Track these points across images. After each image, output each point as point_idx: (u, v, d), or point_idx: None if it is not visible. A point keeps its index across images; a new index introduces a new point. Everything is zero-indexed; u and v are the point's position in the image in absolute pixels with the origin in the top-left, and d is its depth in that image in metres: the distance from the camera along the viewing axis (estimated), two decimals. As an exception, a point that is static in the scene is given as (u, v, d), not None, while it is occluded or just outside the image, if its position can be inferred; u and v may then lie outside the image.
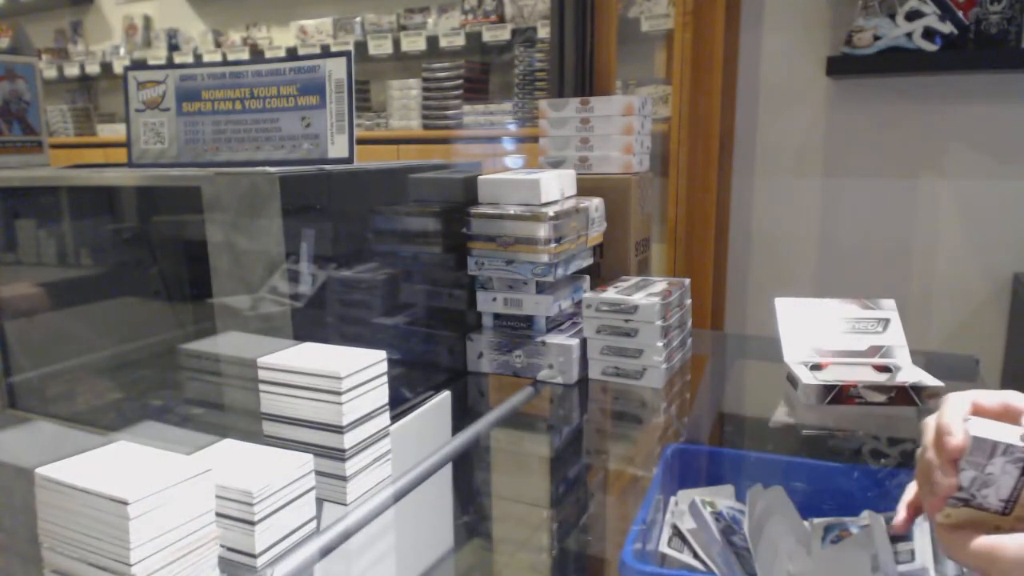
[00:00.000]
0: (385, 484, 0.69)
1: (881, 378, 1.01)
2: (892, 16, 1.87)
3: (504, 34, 3.01)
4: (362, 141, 1.04)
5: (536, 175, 1.11)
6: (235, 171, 0.85)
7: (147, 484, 0.47)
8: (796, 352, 1.08)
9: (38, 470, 0.49)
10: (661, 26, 2.45)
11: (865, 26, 1.90)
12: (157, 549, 0.47)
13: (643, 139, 1.35)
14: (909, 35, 1.86)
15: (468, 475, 0.93)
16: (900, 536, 0.77)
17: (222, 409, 0.83)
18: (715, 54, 2.02)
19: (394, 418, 0.77)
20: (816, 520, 0.87)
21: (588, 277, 1.23)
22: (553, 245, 1.06)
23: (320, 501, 0.64)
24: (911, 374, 1.02)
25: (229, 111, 1.00)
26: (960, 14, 1.83)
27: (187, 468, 0.49)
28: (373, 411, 0.67)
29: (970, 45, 1.88)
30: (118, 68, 4.15)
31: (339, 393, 0.63)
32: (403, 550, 0.76)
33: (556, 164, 1.34)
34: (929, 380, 0.99)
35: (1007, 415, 0.52)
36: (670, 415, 1.07)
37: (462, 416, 1.02)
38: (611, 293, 1.11)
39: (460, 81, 3.08)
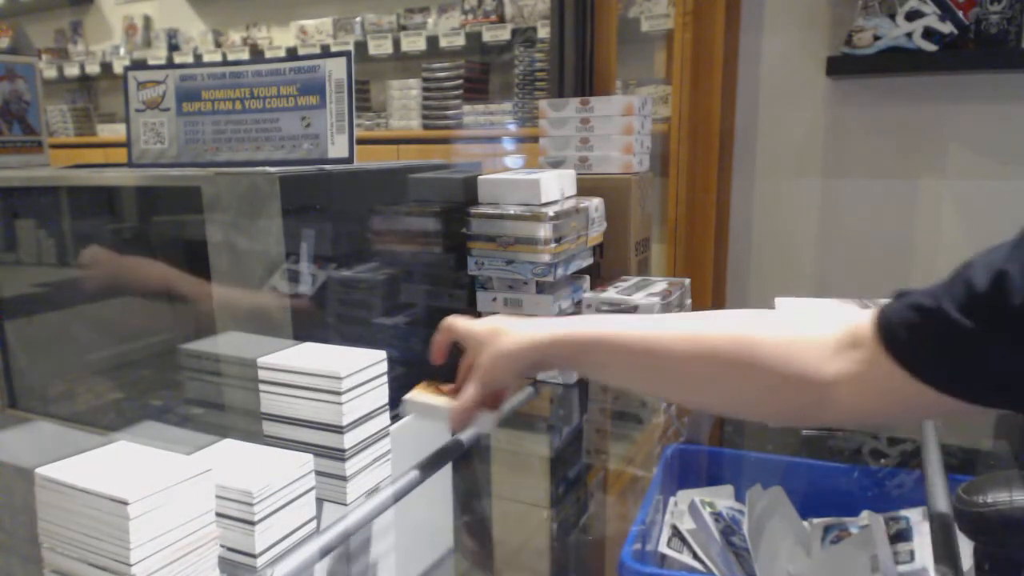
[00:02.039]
0: (385, 484, 0.69)
1: (881, 378, 1.00)
2: (892, 16, 1.87)
3: (504, 34, 3.01)
4: (362, 141, 1.04)
5: (536, 175, 1.11)
6: (235, 171, 0.85)
7: (147, 484, 0.47)
8: (796, 352, 1.08)
9: (38, 470, 0.49)
10: (661, 26, 2.45)
11: (865, 26, 1.90)
12: (157, 549, 0.47)
13: (643, 139, 1.35)
14: (909, 35, 1.86)
15: (468, 475, 0.93)
16: (900, 536, 0.77)
17: (222, 409, 0.83)
18: (715, 54, 2.02)
19: (394, 418, 0.77)
20: (816, 520, 0.87)
21: (588, 277, 1.23)
22: (553, 245, 1.06)
23: (320, 501, 0.64)
24: (911, 374, 1.01)
25: (229, 111, 1.00)
26: (960, 14, 1.83)
27: (187, 468, 0.49)
28: (373, 411, 0.67)
29: (970, 45, 1.87)
30: (118, 68, 4.15)
31: (339, 393, 0.63)
32: (403, 550, 0.76)
33: (556, 164, 1.34)
34: (929, 380, 0.99)
35: None
36: (670, 415, 1.07)
37: (462, 416, 1.02)
38: (611, 293, 1.11)
39: (460, 81, 3.08)
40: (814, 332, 0.62)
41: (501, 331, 0.73)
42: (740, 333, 0.64)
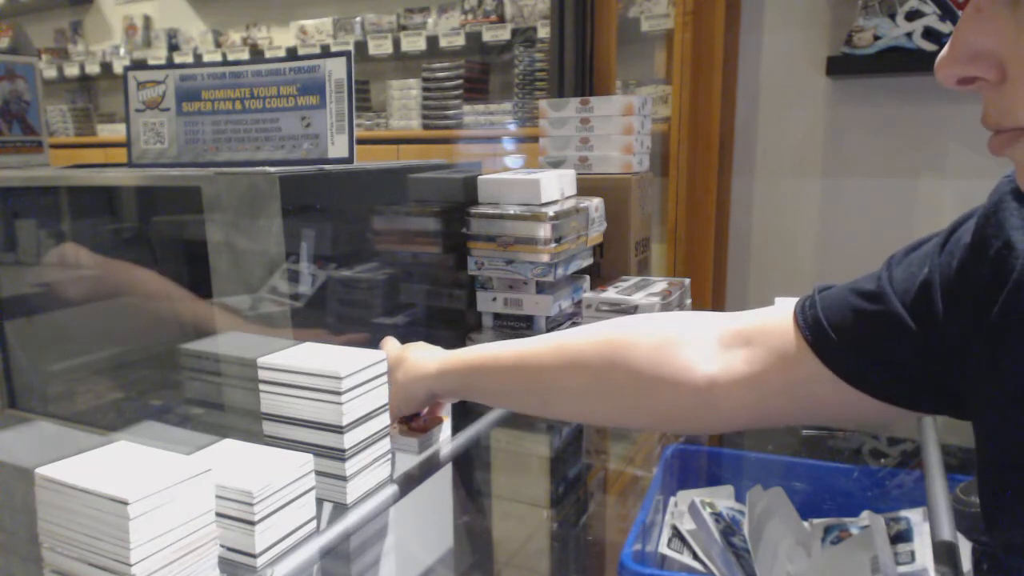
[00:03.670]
0: (385, 484, 0.69)
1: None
2: (892, 16, 1.87)
3: (504, 34, 3.01)
4: (362, 141, 1.04)
5: (536, 175, 1.11)
6: (235, 171, 0.85)
7: (147, 484, 0.47)
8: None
9: (38, 470, 0.49)
10: (661, 26, 2.45)
11: (865, 26, 1.90)
12: (157, 549, 0.47)
13: (643, 139, 1.35)
14: (909, 35, 1.86)
15: (468, 475, 0.93)
16: (900, 537, 0.77)
17: (222, 409, 0.83)
18: (715, 54, 2.02)
19: (394, 418, 0.76)
20: (816, 521, 0.87)
21: (588, 277, 1.23)
22: (553, 245, 1.06)
23: (320, 501, 0.64)
24: (911, 374, 1.01)
25: (229, 111, 1.00)
26: (960, 14, 1.83)
27: (187, 468, 0.49)
28: (373, 411, 0.67)
29: (970, 45, 1.87)
30: (118, 68, 4.15)
31: (339, 393, 0.63)
32: (403, 550, 0.76)
33: (556, 164, 1.34)
34: (929, 380, 0.99)
35: None
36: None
37: (462, 416, 1.02)
38: (611, 293, 1.11)
39: (460, 81, 3.08)
40: (690, 332, 0.61)
41: (401, 361, 0.74)
42: (609, 339, 0.63)
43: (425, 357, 0.73)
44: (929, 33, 1.85)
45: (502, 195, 1.11)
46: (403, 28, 3.29)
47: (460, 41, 3.10)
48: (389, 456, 0.70)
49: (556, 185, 1.14)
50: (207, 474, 0.50)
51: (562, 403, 0.68)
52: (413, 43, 3.21)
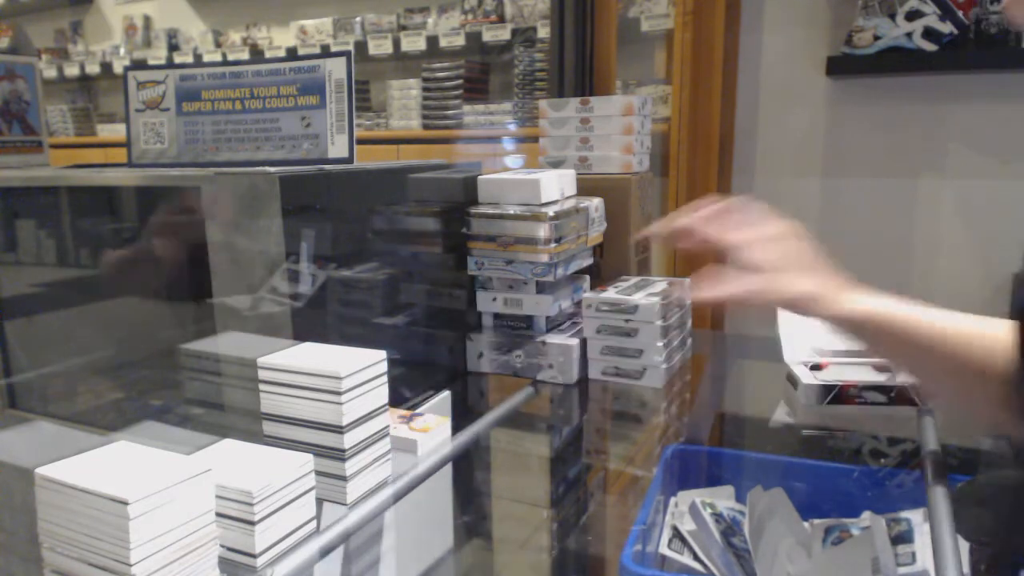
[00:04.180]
0: (385, 484, 0.69)
1: (881, 378, 1.01)
2: (892, 16, 1.87)
3: (504, 34, 3.01)
4: (362, 141, 1.04)
5: (536, 175, 1.11)
6: (235, 171, 0.85)
7: (147, 484, 0.47)
8: (796, 352, 1.08)
9: (38, 470, 0.49)
10: (661, 26, 2.46)
11: (865, 26, 1.90)
12: (157, 549, 0.47)
13: (643, 139, 1.35)
14: (909, 35, 1.86)
15: (468, 475, 0.93)
16: (901, 538, 0.77)
17: (222, 409, 0.83)
18: (715, 54, 2.02)
19: (394, 418, 0.76)
20: (816, 521, 0.87)
21: (588, 277, 1.23)
22: (553, 245, 1.06)
23: (320, 501, 0.64)
24: (911, 374, 1.01)
25: (229, 111, 1.00)
26: (960, 14, 1.83)
27: (187, 468, 0.49)
28: (373, 411, 0.67)
29: (970, 45, 1.87)
30: (118, 68, 4.15)
31: (339, 393, 0.63)
32: (403, 550, 0.76)
33: (556, 164, 1.34)
34: (929, 380, 0.99)
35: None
36: (670, 415, 1.07)
37: (462, 416, 1.02)
38: (611, 293, 1.11)
39: (460, 81, 3.08)
40: None
41: (835, 287, 0.78)
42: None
43: (860, 296, 0.76)
44: (929, 33, 1.85)
45: (502, 195, 1.11)
46: (403, 28, 3.29)
47: (460, 41, 3.10)
48: (389, 456, 0.70)
49: (556, 185, 1.14)
50: (207, 474, 0.50)
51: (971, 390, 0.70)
52: (413, 43, 3.21)
